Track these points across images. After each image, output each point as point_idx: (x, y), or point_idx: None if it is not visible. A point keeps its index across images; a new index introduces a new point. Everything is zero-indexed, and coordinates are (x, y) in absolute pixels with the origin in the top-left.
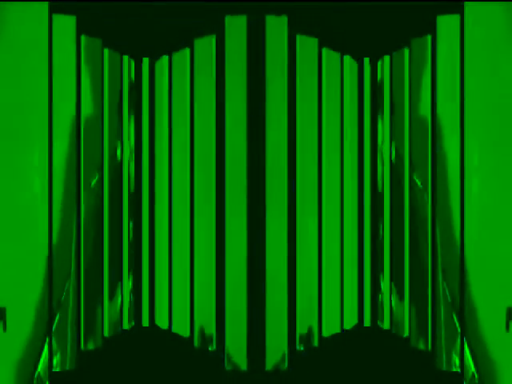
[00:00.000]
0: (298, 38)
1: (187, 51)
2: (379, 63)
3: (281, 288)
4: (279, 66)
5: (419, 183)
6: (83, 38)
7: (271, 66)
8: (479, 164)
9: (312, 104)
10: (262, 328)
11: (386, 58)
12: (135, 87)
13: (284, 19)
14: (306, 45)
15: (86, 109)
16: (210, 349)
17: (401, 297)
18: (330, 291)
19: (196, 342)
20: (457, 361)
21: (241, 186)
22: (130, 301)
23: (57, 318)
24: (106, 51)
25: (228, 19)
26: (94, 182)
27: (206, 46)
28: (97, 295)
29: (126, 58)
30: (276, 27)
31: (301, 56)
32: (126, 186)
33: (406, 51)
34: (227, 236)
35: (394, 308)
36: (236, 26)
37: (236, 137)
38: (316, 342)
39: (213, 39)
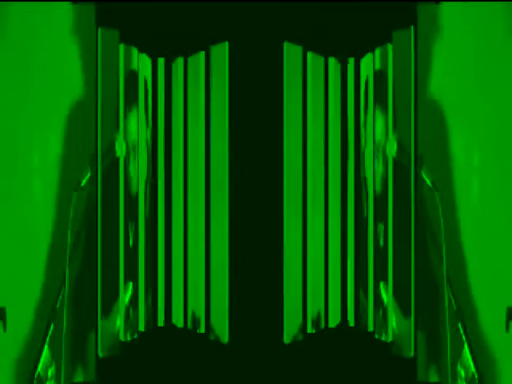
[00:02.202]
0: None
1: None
2: (377, 51)
3: (296, 276)
4: (295, 86)
5: (429, 182)
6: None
7: (288, 86)
8: (479, 164)
9: (319, 114)
10: (280, 307)
11: (389, 46)
12: (135, 79)
13: (299, 48)
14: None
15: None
16: (197, 331)
17: (405, 311)
18: (332, 290)
19: (189, 325)
20: (462, 373)
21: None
22: (130, 307)
23: (51, 326)
24: (99, 31)
25: (212, 48)
26: (85, 179)
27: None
28: (91, 310)
29: (122, 46)
30: (293, 53)
31: (311, 69)
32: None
33: (411, 30)
34: (212, 235)
35: (396, 326)
36: (219, 53)
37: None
38: (323, 324)
39: (201, 56)
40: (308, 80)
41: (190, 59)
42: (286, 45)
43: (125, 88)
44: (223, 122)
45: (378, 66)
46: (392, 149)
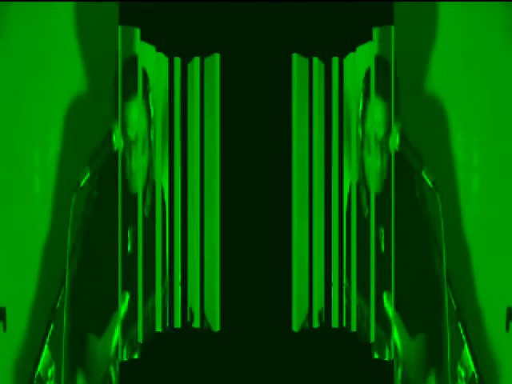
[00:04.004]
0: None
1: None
2: (375, 31)
3: (303, 268)
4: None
5: (429, 182)
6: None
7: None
8: (479, 164)
9: (321, 119)
10: (289, 297)
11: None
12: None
13: (306, 60)
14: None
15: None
16: (193, 326)
17: (408, 326)
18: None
19: (188, 318)
20: (462, 373)
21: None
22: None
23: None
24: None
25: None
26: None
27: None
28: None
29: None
30: (301, 65)
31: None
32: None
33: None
34: (206, 234)
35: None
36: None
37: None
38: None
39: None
40: (314, 88)
41: (189, 65)
42: (294, 56)
43: (123, 73)
44: (215, 127)
45: (379, 50)
46: (394, 142)
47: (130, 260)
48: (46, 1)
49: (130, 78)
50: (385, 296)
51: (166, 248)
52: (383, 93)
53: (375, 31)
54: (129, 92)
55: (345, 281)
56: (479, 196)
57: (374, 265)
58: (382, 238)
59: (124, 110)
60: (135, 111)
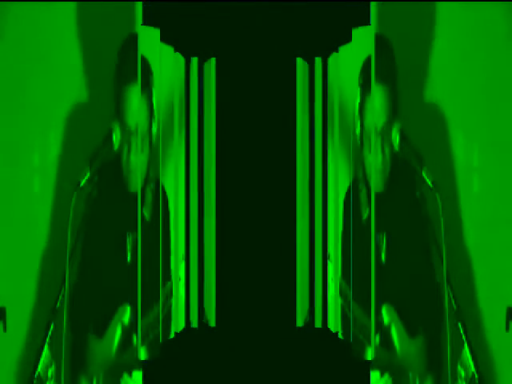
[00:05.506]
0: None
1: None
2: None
3: (304, 268)
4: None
5: (429, 182)
6: None
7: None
8: (479, 164)
9: (319, 121)
10: (293, 293)
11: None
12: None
13: (306, 65)
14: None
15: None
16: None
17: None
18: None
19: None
20: (462, 373)
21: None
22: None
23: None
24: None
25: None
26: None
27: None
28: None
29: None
30: (303, 70)
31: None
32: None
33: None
34: (205, 241)
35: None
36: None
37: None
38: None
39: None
40: (316, 89)
41: (191, 65)
42: (298, 60)
43: (123, 72)
44: (210, 126)
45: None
46: (395, 142)
47: (131, 260)
48: (47, 0)
49: (130, 77)
50: (385, 303)
51: (167, 248)
52: (383, 91)
53: (373, 7)
54: (128, 90)
55: (340, 278)
56: (479, 196)
57: (374, 265)
58: (383, 237)
59: (124, 109)
60: (135, 110)
